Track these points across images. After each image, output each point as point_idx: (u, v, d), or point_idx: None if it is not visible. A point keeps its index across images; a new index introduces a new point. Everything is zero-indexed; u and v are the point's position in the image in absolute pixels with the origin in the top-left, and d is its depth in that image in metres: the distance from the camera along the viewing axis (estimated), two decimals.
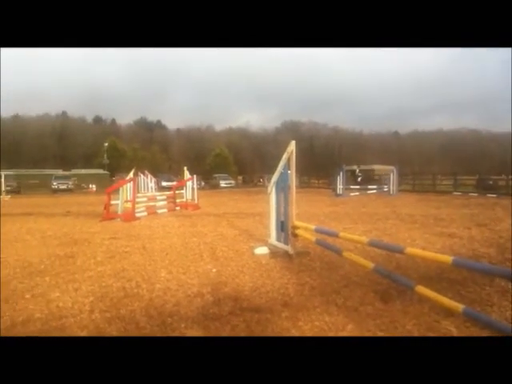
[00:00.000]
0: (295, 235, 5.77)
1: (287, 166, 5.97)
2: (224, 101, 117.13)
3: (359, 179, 38.36)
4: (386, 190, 24.89)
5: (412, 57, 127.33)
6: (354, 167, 39.54)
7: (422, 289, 3.41)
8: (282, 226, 6.04)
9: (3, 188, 31.76)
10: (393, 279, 3.94)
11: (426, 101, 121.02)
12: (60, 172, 51.67)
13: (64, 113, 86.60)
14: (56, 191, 40.44)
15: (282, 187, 6.15)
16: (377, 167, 39.26)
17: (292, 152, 5.75)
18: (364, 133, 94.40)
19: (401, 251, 3.66)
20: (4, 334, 3.15)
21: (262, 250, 6.04)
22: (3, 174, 33.41)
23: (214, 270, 5.06)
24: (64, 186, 41.80)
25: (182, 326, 3.22)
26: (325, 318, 3.32)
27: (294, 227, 5.76)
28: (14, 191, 37.19)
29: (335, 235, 4.98)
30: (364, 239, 4.50)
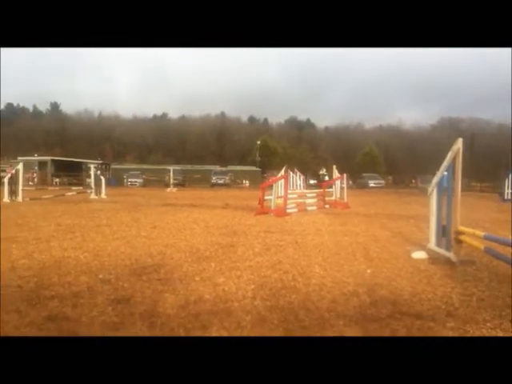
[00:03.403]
0: (459, 241, 5.32)
1: (452, 166, 5.53)
2: (375, 99, 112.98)
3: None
4: None
5: None
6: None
7: None
8: (444, 231, 5.62)
9: (171, 181, 36.00)
10: None
11: None
12: (218, 168, 56.47)
13: (222, 113, 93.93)
14: (214, 185, 44.32)
15: (445, 189, 5.72)
16: None
17: (459, 151, 5.31)
18: None
19: None
20: (179, 311, 3.47)
21: (420, 255, 5.70)
22: (172, 168, 37.87)
23: (369, 271, 4.97)
24: (221, 181, 45.62)
25: (341, 323, 3.24)
26: (498, 333, 3.01)
27: (458, 233, 5.31)
28: (180, 184, 41.88)
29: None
30: None
